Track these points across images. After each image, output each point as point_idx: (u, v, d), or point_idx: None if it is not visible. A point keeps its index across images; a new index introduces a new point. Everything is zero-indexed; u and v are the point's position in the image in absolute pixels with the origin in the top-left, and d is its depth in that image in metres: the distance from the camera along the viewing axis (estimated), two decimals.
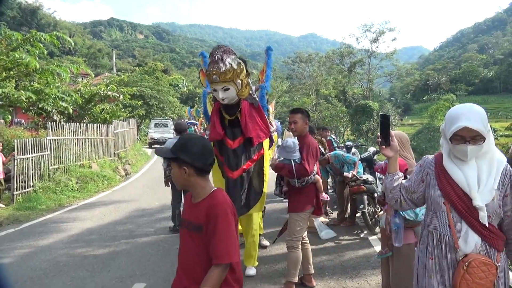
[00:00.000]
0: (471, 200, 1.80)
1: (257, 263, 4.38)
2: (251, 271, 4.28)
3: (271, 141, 4.55)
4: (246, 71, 3.98)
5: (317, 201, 3.89)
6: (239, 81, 3.85)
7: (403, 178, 2.10)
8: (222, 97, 3.87)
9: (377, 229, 5.70)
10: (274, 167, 3.87)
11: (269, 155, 5.27)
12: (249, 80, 4.03)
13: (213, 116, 4.22)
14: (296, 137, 3.90)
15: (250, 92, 4.07)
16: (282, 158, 3.85)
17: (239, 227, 4.52)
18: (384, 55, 31.92)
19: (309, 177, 3.74)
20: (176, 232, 6.03)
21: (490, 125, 1.89)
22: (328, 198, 5.38)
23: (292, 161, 3.71)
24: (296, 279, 3.79)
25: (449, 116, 1.88)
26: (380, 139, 2.06)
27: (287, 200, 4.00)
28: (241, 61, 3.89)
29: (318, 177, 3.91)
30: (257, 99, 4.20)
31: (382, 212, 3.64)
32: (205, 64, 4.20)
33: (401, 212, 2.88)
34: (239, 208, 3.92)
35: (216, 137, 4.09)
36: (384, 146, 2.05)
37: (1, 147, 8.60)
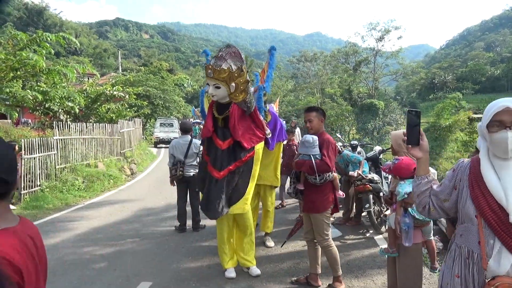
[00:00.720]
0: (507, 214, 1.52)
1: (255, 262, 4.38)
2: (256, 271, 4.29)
3: (266, 143, 4.50)
4: (248, 79, 3.96)
5: (334, 199, 3.88)
6: (234, 84, 3.85)
7: (434, 182, 1.85)
8: (211, 93, 3.95)
9: (383, 228, 5.69)
10: (294, 164, 3.83)
11: (276, 151, 5.25)
12: (248, 88, 3.99)
13: (207, 113, 4.28)
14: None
15: (247, 100, 4.03)
16: (301, 155, 3.80)
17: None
18: (390, 54, 31.77)
19: (328, 174, 3.71)
20: (182, 231, 6.06)
21: None
22: (343, 195, 5.36)
23: (312, 156, 3.64)
24: (341, 272, 3.84)
25: (487, 107, 1.67)
26: (406, 138, 1.81)
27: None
28: (244, 67, 3.88)
29: (335, 174, 3.88)
30: (251, 108, 4.12)
31: (389, 212, 3.62)
32: (207, 61, 4.23)
33: (410, 211, 2.86)
34: (219, 209, 3.91)
35: (206, 134, 4.14)
36: (410, 146, 1.80)
37: (17, 148, 8.41)
